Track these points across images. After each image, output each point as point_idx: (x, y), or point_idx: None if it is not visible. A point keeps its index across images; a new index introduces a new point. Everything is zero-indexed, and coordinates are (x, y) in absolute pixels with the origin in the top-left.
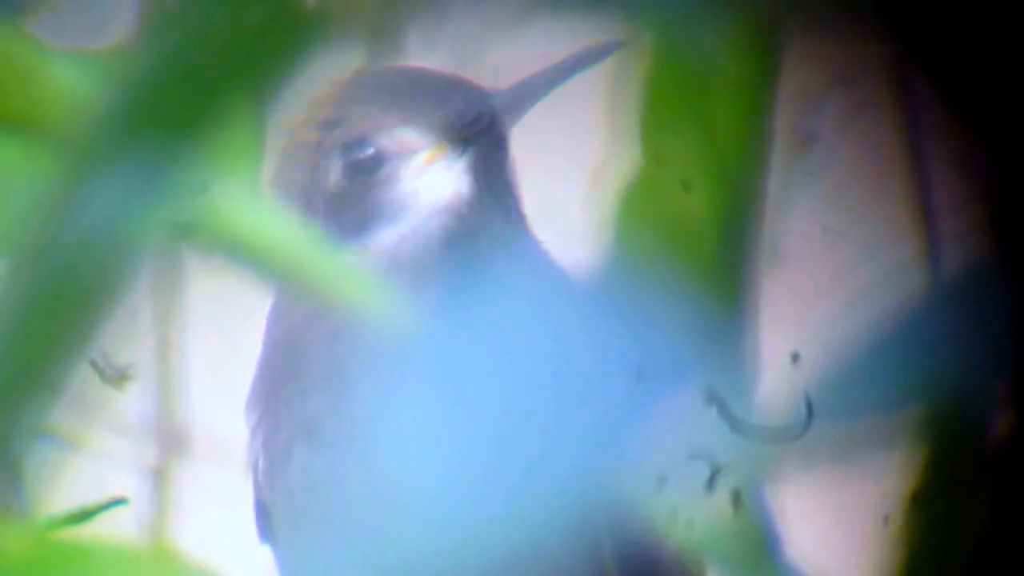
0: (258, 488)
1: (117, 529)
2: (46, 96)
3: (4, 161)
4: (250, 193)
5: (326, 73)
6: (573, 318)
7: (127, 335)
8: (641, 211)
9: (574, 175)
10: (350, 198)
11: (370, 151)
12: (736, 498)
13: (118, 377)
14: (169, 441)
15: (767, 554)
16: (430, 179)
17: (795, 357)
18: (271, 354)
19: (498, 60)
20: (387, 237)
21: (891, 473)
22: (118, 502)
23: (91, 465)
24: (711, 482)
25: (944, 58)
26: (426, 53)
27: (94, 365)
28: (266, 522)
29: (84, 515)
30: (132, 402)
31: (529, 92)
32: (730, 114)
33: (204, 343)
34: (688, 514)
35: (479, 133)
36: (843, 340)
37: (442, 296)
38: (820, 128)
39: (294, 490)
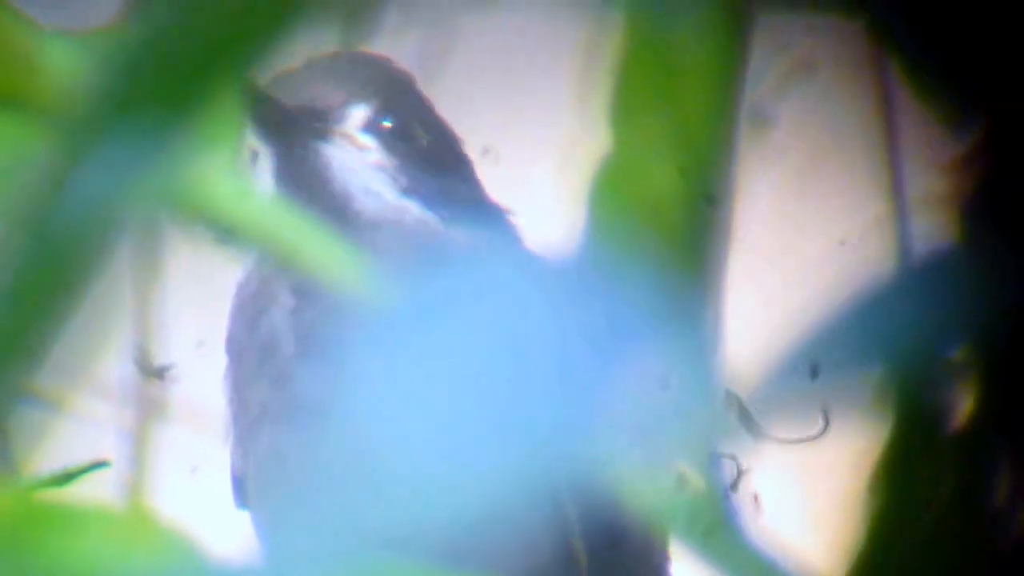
0: (232, 457)
1: (98, 491)
2: (34, 74)
3: None
4: (232, 169)
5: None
6: (534, 292)
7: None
8: (612, 191)
9: (545, 155)
10: None
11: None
12: (755, 500)
13: (158, 376)
14: (149, 405)
15: (727, 525)
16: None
17: (814, 371)
18: (234, 332)
19: (469, 39)
20: None
21: (854, 448)
22: (100, 465)
23: (73, 428)
24: (735, 485)
25: (915, 35)
26: (400, 31)
27: (136, 363)
28: (242, 489)
29: (66, 477)
30: (113, 367)
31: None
32: (699, 95)
33: (185, 310)
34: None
35: (275, 136)
36: (807, 318)
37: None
38: (784, 109)
39: (263, 461)
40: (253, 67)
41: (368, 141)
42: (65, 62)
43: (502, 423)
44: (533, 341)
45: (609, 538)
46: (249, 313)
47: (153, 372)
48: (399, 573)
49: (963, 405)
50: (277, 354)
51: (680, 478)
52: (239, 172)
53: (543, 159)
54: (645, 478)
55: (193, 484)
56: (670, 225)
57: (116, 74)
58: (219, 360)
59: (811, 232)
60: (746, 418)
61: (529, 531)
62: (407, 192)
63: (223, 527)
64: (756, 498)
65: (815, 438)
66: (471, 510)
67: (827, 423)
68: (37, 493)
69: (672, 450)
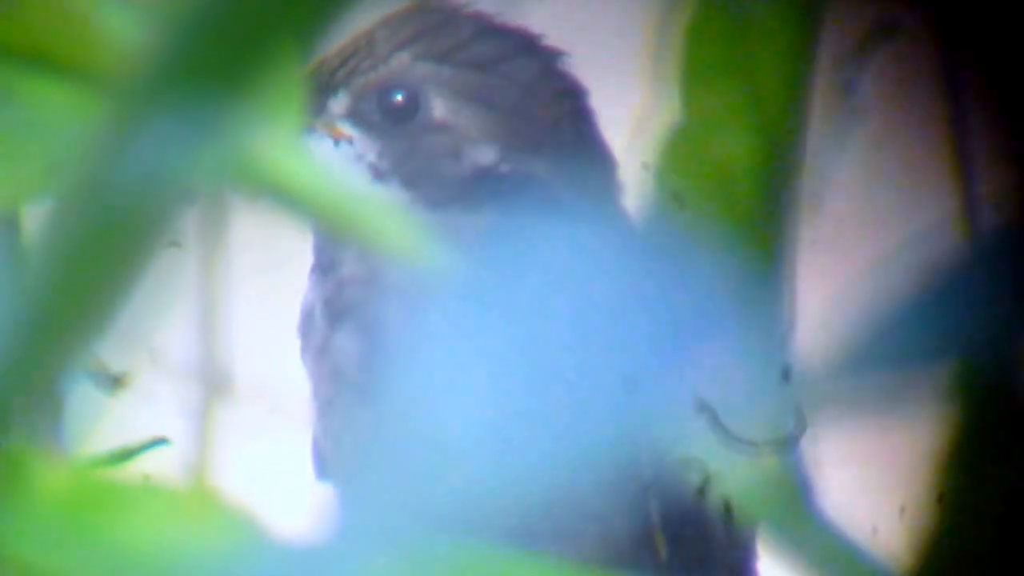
0: (315, 429)
1: (158, 470)
2: (93, 39)
3: (52, 103)
4: (294, 138)
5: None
6: (614, 262)
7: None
8: (682, 162)
9: (616, 125)
10: None
11: None
12: (727, 507)
13: (116, 381)
14: (212, 382)
15: (804, 508)
16: (339, 159)
17: (786, 372)
18: (306, 308)
19: (536, 7)
20: None
21: (924, 432)
22: (159, 442)
23: (133, 405)
24: (703, 490)
25: (986, 13)
26: (468, 2)
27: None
28: (322, 461)
29: (125, 455)
30: (175, 343)
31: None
32: (772, 65)
33: (247, 285)
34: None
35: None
36: (878, 296)
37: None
38: (860, 80)
39: (341, 437)
40: (317, 36)
41: (350, 130)
42: (124, 28)
43: (581, 401)
44: (614, 315)
45: (690, 528)
46: (319, 289)
47: (106, 381)
48: (465, 555)
49: None
50: (314, 325)
51: (756, 462)
52: (301, 142)
53: (613, 129)
54: (724, 461)
55: (258, 462)
56: (740, 196)
57: (176, 41)
58: (283, 335)
59: (885, 215)
60: (721, 429)
61: (607, 515)
62: (384, 176)
63: (288, 506)
64: (728, 503)
65: (789, 445)
66: (548, 489)
67: (802, 428)
68: (95, 471)
69: (747, 432)
